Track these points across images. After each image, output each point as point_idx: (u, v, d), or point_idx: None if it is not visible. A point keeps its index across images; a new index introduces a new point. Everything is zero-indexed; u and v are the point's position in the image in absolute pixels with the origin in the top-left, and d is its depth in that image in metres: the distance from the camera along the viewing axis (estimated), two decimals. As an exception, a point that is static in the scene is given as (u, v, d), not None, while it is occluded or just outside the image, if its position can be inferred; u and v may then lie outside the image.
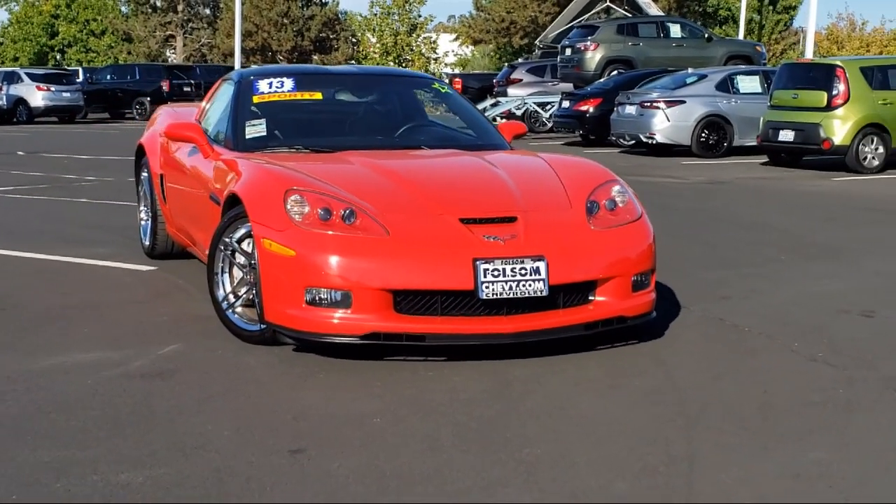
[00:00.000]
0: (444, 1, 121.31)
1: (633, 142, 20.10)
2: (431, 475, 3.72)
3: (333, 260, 4.96)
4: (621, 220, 5.46)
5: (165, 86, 36.82)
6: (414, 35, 58.30)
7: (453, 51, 67.15)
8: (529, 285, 4.97)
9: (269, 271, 5.13)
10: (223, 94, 7.08)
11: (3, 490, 3.57)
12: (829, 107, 16.17)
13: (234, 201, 5.58)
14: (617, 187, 5.66)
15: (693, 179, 14.99)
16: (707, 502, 3.49)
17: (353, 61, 58.63)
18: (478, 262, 4.94)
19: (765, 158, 17.90)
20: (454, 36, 67.75)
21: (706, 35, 26.71)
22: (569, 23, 39.32)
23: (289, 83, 6.73)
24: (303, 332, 5.07)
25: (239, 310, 5.53)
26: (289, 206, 5.17)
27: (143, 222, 7.96)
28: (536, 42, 40.76)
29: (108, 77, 38.20)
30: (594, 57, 24.88)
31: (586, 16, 39.74)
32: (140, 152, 7.90)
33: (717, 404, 4.49)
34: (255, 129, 6.40)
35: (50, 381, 4.79)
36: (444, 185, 5.63)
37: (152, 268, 7.48)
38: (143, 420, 4.29)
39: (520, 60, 30.49)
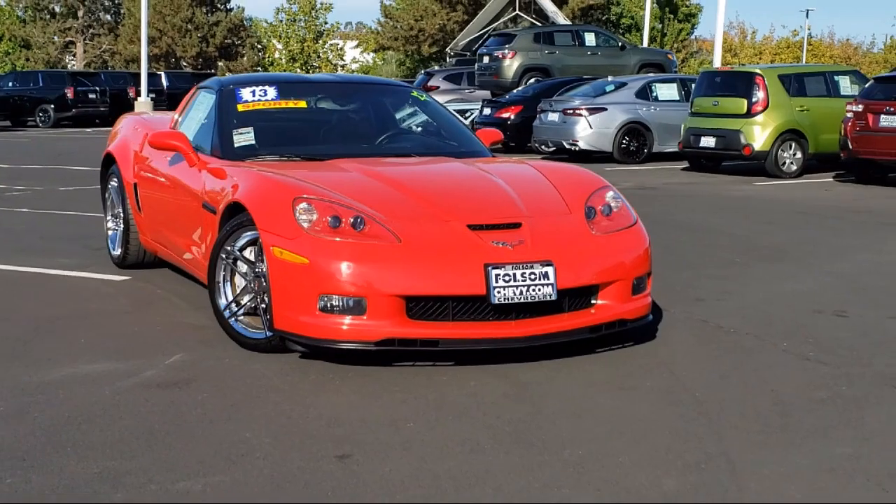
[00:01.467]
0: (347, 8, 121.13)
1: (553, 148, 20.40)
2: (483, 476, 3.81)
3: (348, 267, 5.03)
4: (618, 225, 5.63)
5: (70, 93, 36.06)
6: (321, 42, 58.27)
7: (354, 58, 67.22)
8: (539, 290, 5.10)
9: (280, 279, 5.18)
10: (201, 103, 7.08)
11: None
12: (749, 113, 16.65)
13: (235, 210, 5.61)
14: (611, 193, 5.83)
15: (622, 185, 15.26)
16: (757, 498, 3.64)
17: (258, 68, 58.31)
18: (489, 268, 5.06)
19: (684, 164, 18.33)
20: (356, 43, 67.80)
21: (620, 43, 27.22)
22: (479, 31, 39.71)
23: (272, 92, 6.77)
24: (315, 339, 5.12)
25: (242, 318, 5.55)
26: (298, 214, 5.22)
27: (110, 232, 7.90)
28: (447, 50, 41.01)
29: (10, 84, 37.30)
30: (512, 65, 25.18)
31: (495, 24, 40.19)
32: (108, 161, 7.84)
33: (732, 403, 4.67)
34: (243, 137, 6.43)
35: (69, 393, 4.77)
36: (446, 191, 5.73)
37: (126, 277, 7.43)
38: (177, 429, 4.31)
39: (436, 68, 30.62)
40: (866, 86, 16.06)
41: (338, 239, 5.12)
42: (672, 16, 48.40)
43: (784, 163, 16.64)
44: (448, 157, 6.59)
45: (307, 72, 57.93)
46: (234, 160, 6.25)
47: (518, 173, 6.12)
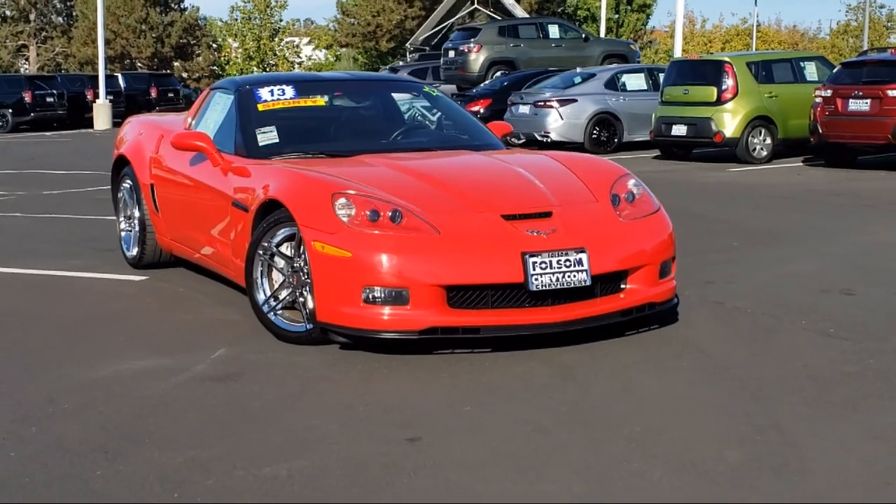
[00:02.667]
0: (298, 7, 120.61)
1: (524, 140, 20.59)
2: (553, 454, 4.00)
3: (390, 259, 5.19)
4: (643, 211, 5.83)
5: (28, 97, 35.74)
6: (276, 39, 58.06)
7: (309, 56, 67.01)
8: (574, 276, 5.30)
9: (323, 272, 5.33)
10: (217, 103, 7.19)
11: (161, 489, 3.72)
12: (720, 101, 16.94)
13: (269, 207, 5.74)
14: (632, 181, 6.03)
15: (601, 175, 15.50)
16: (819, 466, 3.85)
17: (214, 67, 58.04)
18: (526, 256, 5.24)
19: (655, 153, 18.61)
20: (307, 40, 67.60)
21: (583, 35, 27.52)
22: (436, 26, 39.87)
23: (290, 91, 6.91)
24: (360, 329, 5.28)
25: (280, 312, 5.70)
26: (337, 209, 5.37)
27: (123, 233, 7.99)
28: (407, 45, 41.14)
29: (-33, 89, 36.89)
30: (478, 59, 25.39)
31: (453, 18, 40.34)
32: (120, 163, 7.93)
33: (769, 379, 4.89)
34: (267, 135, 6.56)
35: (126, 388, 4.90)
36: (475, 183, 5.89)
37: (144, 277, 7.54)
38: (245, 419, 4.46)
39: (400, 63, 30.75)
40: (834, 71, 16.41)
41: (378, 232, 5.28)
42: (628, 6, 48.87)
43: (754, 149, 16.95)
44: (465, 149, 6.77)
45: (263, 70, 57.81)
46: (259, 158, 6.39)
47: (540, 164, 6.30)
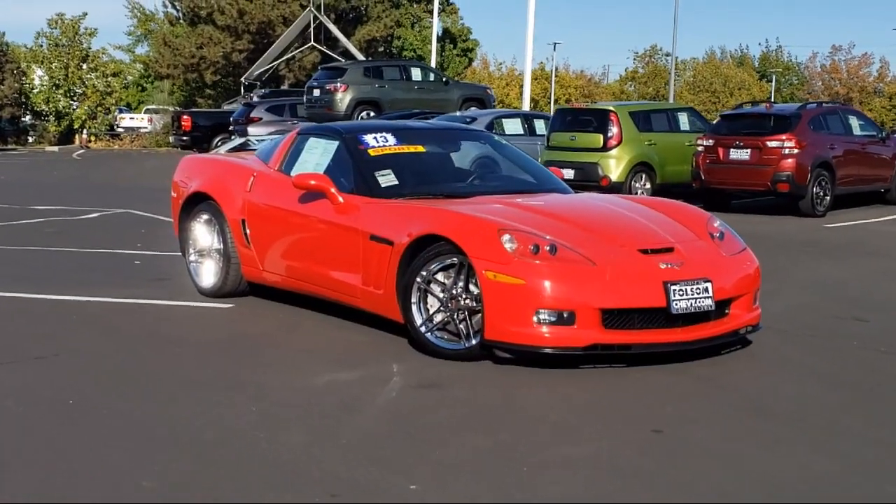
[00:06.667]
0: (113, 34, 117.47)
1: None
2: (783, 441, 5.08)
3: (561, 286, 6.18)
4: (736, 248, 6.99)
5: None
6: (85, 67, 56.90)
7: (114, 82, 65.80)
8: (703, 301, 6.41)
9: (495, 297, 6.25)
10: (314, 148, 7.98)
11: (461, 484, 4.59)
12: (605, 147, 18.45)
13: (424, 241, 6.60)
14: (718, 222, 7.20)
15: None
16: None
17: (18, 95, 56.41)
18: (668, 284, 6.32)
19: (536, 193, 19.92)
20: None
21: (443, 79, 28.86)
22: (272, 61, 40.51)
23: (391, 138, 7.78)
24: (527, 345, 6.23)
25: (438, 332, 6.58)
26: (505, 243, 6.31)
27: (193, 265, 8.61)
28: (242, 79, 41.55)
29: None
30: (344, 98, 26.31)
31: (287, 55, 41.08)
32: (196, 199, 8.54)
33: (883, 388, 6.11)
34: (386, 178, 7.41)
35: (352, 395, 5.70)
36: (600, 221, 6.92)
37: (229, 305, 8.19)
38: (510, 416, 5.34)
39: (255, 99, 31.28)
40: (714, 122, 18.18)
41: (545, 263, 6.24)
42: (452, 47, 50.75)
43: (637, 192, 18.51)
44: (554, 192, 7.81)
45: (71, 98, 56.62)
46: (381, 198, 7.23)
47: (633, 207, 7.37)
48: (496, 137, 8.61)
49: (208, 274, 8.50)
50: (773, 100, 57.32)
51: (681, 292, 6.34)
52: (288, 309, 8.01)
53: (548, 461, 4.69)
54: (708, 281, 6.47)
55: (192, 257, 8.67)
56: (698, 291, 6.41)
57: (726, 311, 6.71)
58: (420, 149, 7.95)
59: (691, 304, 6.36)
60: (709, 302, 6.44)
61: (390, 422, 5.26)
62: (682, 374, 6.24)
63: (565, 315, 6.18)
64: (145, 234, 12.95)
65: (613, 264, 6.38)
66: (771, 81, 76.15)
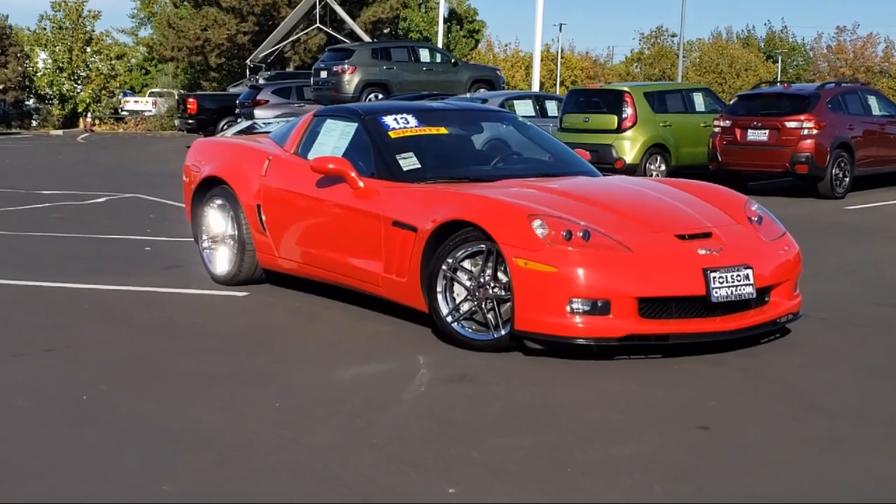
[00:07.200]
0: (116, 17, 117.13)
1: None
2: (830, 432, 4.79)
3: (595, 274, 5.89)
4: (775, 232, 6.69)
5: None
6: (89, 51, 56.61)
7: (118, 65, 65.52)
8: (743, 289, 6.12)
9: (526, 286, 5.96)
10: (331, 130, 7.68)
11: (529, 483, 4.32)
12: (620, 129, 18.14)
13: (451, 227, 6.31)
14: (755, 205, 6.90)
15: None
16: None
17: (22, 79, 56.14)
18: (707, 271, 6.03)
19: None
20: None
21: (452, 60, 28.48)
22: (277, 43, 40.15)
23: (412, 119, 7.48)
24: (560, 336, 5.94)
25: (464, 322, 6.29)
26: (535, 229, 6.02)
27: (206, 251, 8.33)
28: (247, 62, 41.19)
29: None
30: (352, 80, 25.95)
31: (293, 37, 40.73)
32: (208, 184, 8.24)
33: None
34: (408, 161, 7.11)
35: (380, 389, 5.43)
36: (635, 206, 6.62)
37: (245, 293, 7.91)
38: (543, 412, 5.07)
39: (261, 81, 30.92)
40: (731, 102, 17.84)
41: (579, 249, 5.95)
42: (459, 28, 50.35)
43: (652, 174, 18.21)
44: (581, 174, 7.50)
45: (75, 82, 56.32)
46: (404, 182, 6.93)
47: (667, 190, 7.07)
48: (519, 118, 8.30)
49: (222, 261, 8.22)
50: (779, 79, 56.95)
51: (721, 279, 6.05)
52: (305, 297, 7.74)
53: (594, 462, 4.42)
54: (749, 267, 6.17)
55: (205, 244, 8.38)
56: (739, 278, 6.11)
57: (766, 298, 6.42)
58: (442, 130, 7.65)
59: (732, 292, 6.07)
60: (750, 289, 6.15)
61: (422, 419, 4.98)
62: (721, 366, 5.95)
63: (600, 304, 5.89)
64: (154, 218, 12.69)
65: (650, 251, 6.09)
66: (777, 62, 75.72)
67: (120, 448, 4.51)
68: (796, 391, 5.51)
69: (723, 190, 7.22)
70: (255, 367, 5.87)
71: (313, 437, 4.68)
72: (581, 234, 6.03)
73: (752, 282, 6.16)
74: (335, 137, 7.63)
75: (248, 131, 12.55)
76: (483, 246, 6.20)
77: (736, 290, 6.09)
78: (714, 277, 6.03)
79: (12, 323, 6.88)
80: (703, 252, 6.16)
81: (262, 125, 26.48)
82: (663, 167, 18.33)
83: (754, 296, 6.17)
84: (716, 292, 6.01)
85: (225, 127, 27.38)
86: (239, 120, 27.65)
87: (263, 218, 7.79)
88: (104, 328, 6.77)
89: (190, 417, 4.94)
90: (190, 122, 30.36)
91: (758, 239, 6.51)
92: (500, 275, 6.16)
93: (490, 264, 6.19)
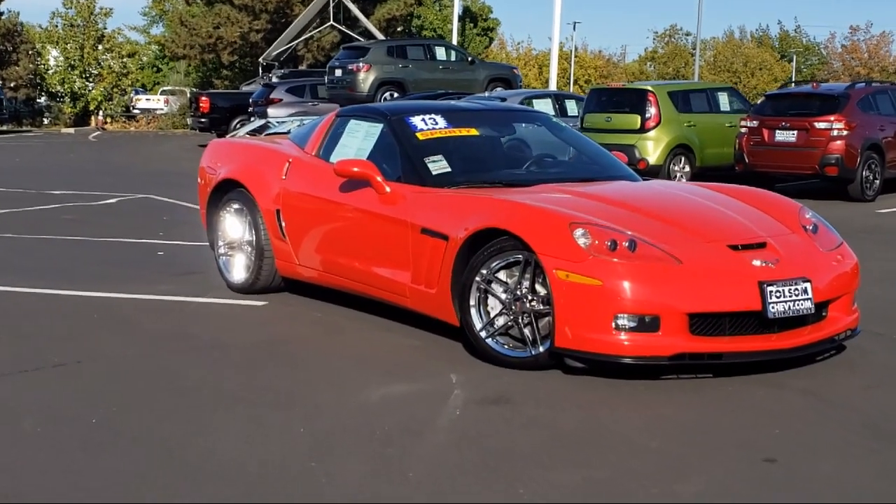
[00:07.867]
0: (128, 14, 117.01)
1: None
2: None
3: (644, 287, 5.46)
4: (832, 242, 6.25)
5: None
6: (101, 48, 56.34)
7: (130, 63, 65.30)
8: (802, 304, 5.69)
9: (567, 300, 5.53)
10: (355, 131, 7.26)
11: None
12: (643, 129, 17.70)
13: (485, 236, 5.89)
14: (810, 213, 6.47)
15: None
16: None
17: (33, 76, 55.92)
18: (764, 285, 5.59)
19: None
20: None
21: (469, 58, 28.04)
22: (290, 41, 39.77)
23: (441, 120, 7.05)
24: (605, 355, 5.51)
25: (498, 338, 5.87)
26: (577, 239, 5.59)
27: (223, 258, 7.93)
28: (260, 60, 40.82)
29: None
30: (367, 78, 25.53)
31: (307, 34, 40.35)
32: (225, 187, 7.84)
33: None
34: (438, 165, 6.68)
35: (411, 413, 5.03)
36: (683, 214, 6.18)
37: (263, 302, 7.52)
38: (591, 437, 4.66)
39: (274, 80, 30.50)
40: (758, 102, 17.39)
41: (624, 261, 5.52)
42: (473, 25, 49.92)
43: (676, 176, 17.78)
44: (621, 178, 7.08)
45: (87, 79, 56.10)
46: (433, 187, 6.51)
47: (714, 196, 6.63)
48: (553, 119, 7.87)
49: (239, 268, 7.82)
50: (793, 79, 56.40)
51: (777, 294, 5.62)
52: (326, 307, 7.34)
53: (655, 501, 3.99)
54: (807, 281, 5.74)
55: (221, 250, 7.98)
56: (797, 293, 5.68)
57: (824, 313, 5.98)
58: (473, 132, 7.22)
59: (789, 307, 5.64)
60: (808, 304, 5.72)
61: (460, 447, 4.56)
62: (779, 388, 5.52)
63: (648, 320, 5.46)
64: (167, 221, 12.30)
65: (701, 262, 5.66)
66: (791, 61, 75.09)
67: (132, 481, 4.12)
68: (867, 418, 5.07)
69: (774, 196, 6.79)
70: (276, 386, 5.47)
71: (343, 468, 4.28)
72: (627, 245, 5.61)
73: (810, 296, 5.73)
74: (359, 139, 7.21)
75: (261, 130, 12.15)
76: (520, 256, 5.78)
77: (794, 306, 5.66)
78: (771, 291, 5.60)
79: (22, 335, 6.50)
80: (759, 264, 5.73)
81: (276, 124, 26.11)
82: (687, 168, 17.90)
83: (812, 311, 5.74)
84: (772, 307, 5.59)
85: (238, 126, 26.96)
86: (252, 118, 27.27)
87: (283, 223, 7.38)
88: (116, 340, 6.38)
89: (209, 445, 4.54)
90: (202, 120, 29.97)
91: (814, 249, 6.09)
92: (539, 287, 5.74)
93: (528, 276, 5.77)
